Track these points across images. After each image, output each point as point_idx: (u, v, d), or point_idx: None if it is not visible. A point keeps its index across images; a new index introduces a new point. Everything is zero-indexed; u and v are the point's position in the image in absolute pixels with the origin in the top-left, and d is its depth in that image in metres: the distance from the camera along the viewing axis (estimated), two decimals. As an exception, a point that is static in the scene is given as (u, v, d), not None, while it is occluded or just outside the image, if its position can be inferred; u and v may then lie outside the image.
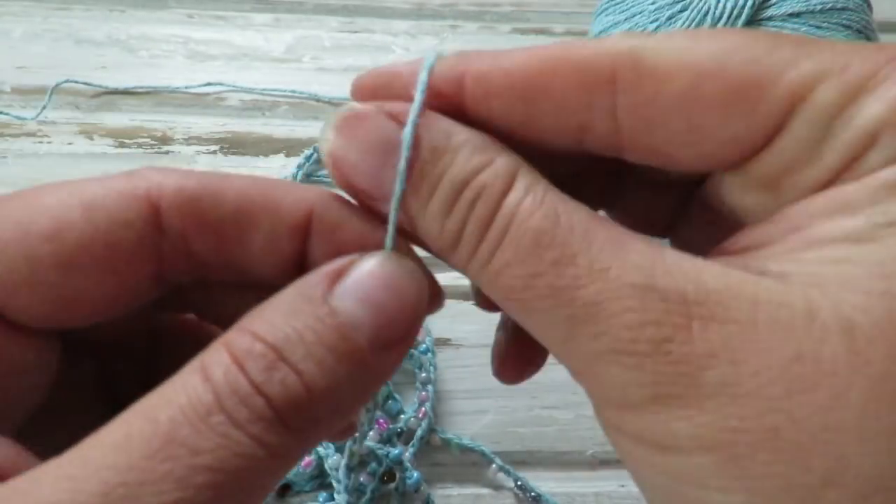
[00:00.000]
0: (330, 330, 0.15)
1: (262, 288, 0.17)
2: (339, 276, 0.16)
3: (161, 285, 0.18)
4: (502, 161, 0.16)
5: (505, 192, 0.16)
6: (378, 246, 0.17)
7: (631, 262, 0.15)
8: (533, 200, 0.15)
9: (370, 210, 0.17)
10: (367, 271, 0.16)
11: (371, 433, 0.36)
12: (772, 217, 0.16)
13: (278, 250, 0.18)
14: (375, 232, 0.17)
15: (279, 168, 0.46)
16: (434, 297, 0.19)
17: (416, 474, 0.35)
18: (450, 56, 0.17)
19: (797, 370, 0.13)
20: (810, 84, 0.14)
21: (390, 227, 0.16)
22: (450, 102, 0.17)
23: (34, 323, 0.17)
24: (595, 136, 0.16)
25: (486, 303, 0.22)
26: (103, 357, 0.20)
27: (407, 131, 0.16)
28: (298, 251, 0.18)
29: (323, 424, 0.15)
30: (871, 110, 0.14)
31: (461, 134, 0.16)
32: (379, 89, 0.17)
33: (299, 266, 0.18)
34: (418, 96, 0.16)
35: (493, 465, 0.37)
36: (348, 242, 0.18)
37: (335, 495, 0.35)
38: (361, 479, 0.36)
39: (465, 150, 0.16)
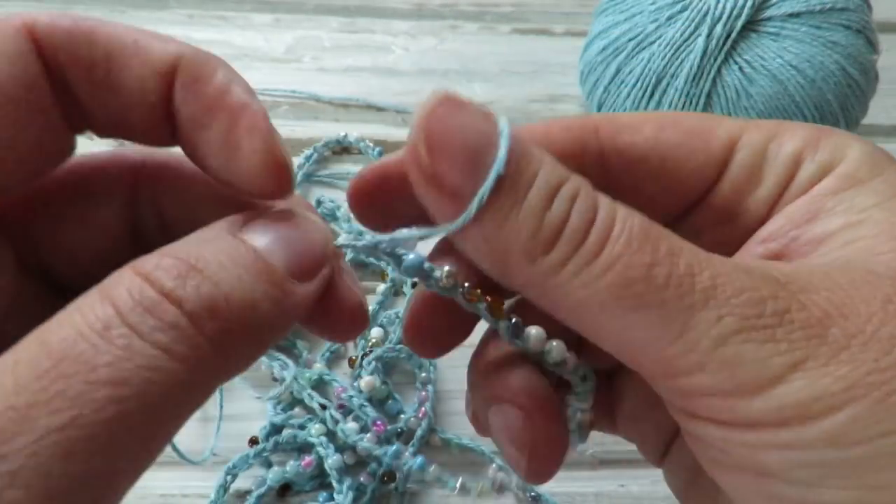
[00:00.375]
0: (245, 253, 0.15)
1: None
2: (247, 220, 0.16)
3: (66, 139, 0.17)
4: (577, 175, 0.16)
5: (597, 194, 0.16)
6: (231, 103, 0.17)
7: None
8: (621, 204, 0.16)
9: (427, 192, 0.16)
10: (275, 213, 0.16)
11: (369, 435, 0.36)
12: (760, 239, 0.19)
13: (146, 96, 0.17)
14: (236, 87, 0.18)
15: (279, 168, 0.46)
16: (354, 320, 0.19)
17: (419, 458, 0.35)
18: None
19: (893, 309, 0.15)
20: (738, 131, 0.19)
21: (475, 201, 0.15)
22: None
23: None
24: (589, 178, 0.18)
25: (482, 426, 0.23)
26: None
27: (503, 124, 0.16)
28: (165, 98, 0.17)
29: (240, 343, 0.14)
30: (789, 145, 0.19)
31: (541, 150, 0.17)
32: (381, 182, 0.18)
33: (167, 117, 0.17)
34: (504, 123, 0.17)
35: (494, 465, 0.37)
36: (210, 96, 0.17)
37: (335, 495, 0.35)
38: (361, 479, 0.36)
39: (550, 159, 0.16)
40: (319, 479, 0.36)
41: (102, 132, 0.18)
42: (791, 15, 0.40)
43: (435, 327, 0.21)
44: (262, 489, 0.35)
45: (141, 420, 0.13)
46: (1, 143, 0.16)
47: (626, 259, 0.15)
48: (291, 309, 0.15)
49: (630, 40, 0.42)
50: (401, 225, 0.17)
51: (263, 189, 0.17)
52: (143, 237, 0.19)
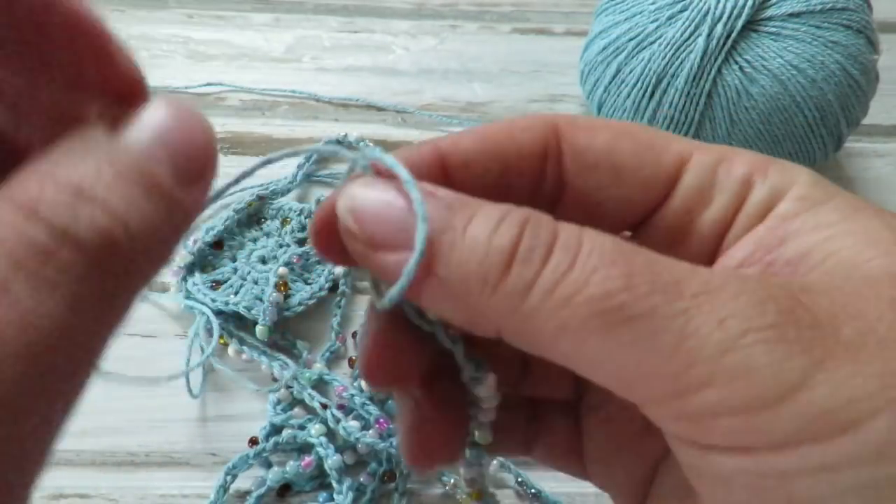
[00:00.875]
0: (129, 165, 0.13)
1: None
2: (121, 119, 0.14)
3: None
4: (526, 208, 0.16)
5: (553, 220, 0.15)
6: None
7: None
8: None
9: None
10: (152, 113, 0.14)
11: (371, 431, 0.36)
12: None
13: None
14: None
15: (279, 168, 0.46)
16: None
17: None
18: (398, 151, 0.19)
19: None
20: (689, 151, 0.19)
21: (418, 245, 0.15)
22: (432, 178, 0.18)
23: None
24: (548, 182, 0.19)
25: (376, 377, 0.19)
26: None
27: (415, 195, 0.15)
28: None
29: (141, 271, 0.13)
30: (739, 169, 0.18)
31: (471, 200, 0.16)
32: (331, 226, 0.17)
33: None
34: (403, 171, 0.16)
35: (494, 462, 0.37)
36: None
37: (335, 495, 0.35)
38: (361, 479, 0.36)
39: (486, 203, 0.16)
40: (319, 479, 0.36)
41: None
42: (791, 15, 0.40)
43: (397, 359, 0.19)
44: (262, 489, 0.35)
45: (60, 360, 0.12)
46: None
47: (603, 272, 0.14)
48: (184, 218, 0.14)
49: (630, 40, 0.42)
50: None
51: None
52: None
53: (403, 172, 0.16)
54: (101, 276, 0.12)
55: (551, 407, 0.24)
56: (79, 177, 0.12)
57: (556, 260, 0.14)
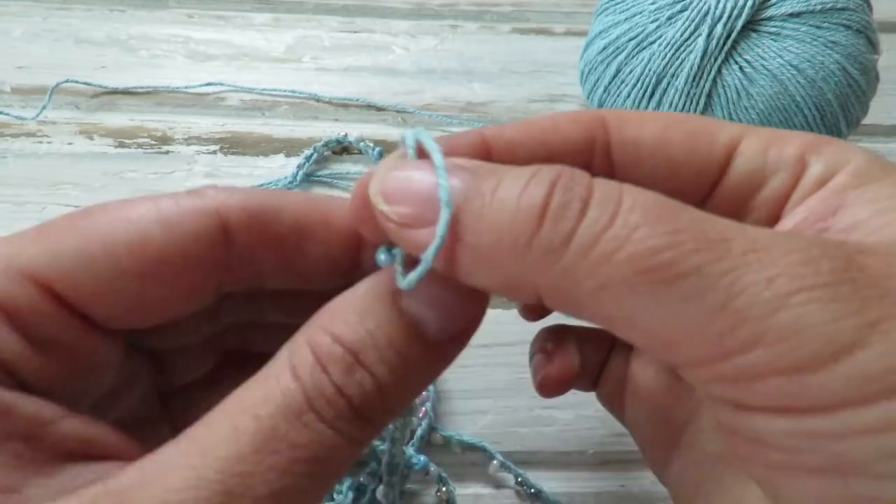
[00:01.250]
0: (399, 331, 0.17)
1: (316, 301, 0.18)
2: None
3: (218, 292, 0.20)
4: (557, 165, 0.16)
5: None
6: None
7: None
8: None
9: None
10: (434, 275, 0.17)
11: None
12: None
13: (332, 258, 0.19)
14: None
15: (279, 168, 0.46)
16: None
17: (422, 458, 0.35)
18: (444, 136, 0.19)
19: None
20: (739, 135, 0.19)
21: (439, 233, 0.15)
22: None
23: (112, 323, 0.18)
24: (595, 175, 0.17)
25: (533, 312, 0.25)
26: (160, 354, 0.21)
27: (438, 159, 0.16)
28: (352, 260, 0.20)
29: (392, 415, 0.17)
30: (791, 149, 0.18)
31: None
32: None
33: (352, 276, 0.19)
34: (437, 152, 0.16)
35: (494, 462, 0.37)
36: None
37: (335, 495, 0.35)
38: (361, 479, 0.36)
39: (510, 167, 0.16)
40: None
41: (271, 285, 0.20)
42: (791, 15, 0.40)
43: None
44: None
45: (323, 484, 0.16)
46: (163, 297, 0.18)
47: (646, 229, 0.13)
48: (439, 370, 0.18)
49: (630, 40, 0.42)
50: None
51: None
52: (226, 286, 0.20)
53: (430, 143, 0.16)
54: (365, 427, 0.16)
55: (621, 345, 0.27)
56: (359, 342, 0.16)
57: (593, 216, 0.14)
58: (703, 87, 0.40)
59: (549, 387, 0.27)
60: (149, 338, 0.20)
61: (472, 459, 0.38)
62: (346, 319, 0.17)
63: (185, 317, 0.19)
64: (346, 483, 0.35)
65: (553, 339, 0.27)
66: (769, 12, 0.40)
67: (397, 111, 0.49)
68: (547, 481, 0.37)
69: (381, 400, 0.16)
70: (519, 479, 0.37)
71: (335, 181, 0.46)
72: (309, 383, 0.16)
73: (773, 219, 0.19)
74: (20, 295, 0.17)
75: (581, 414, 0.39)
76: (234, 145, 0.47)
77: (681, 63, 0.40)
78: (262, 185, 0.44)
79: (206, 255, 0.18)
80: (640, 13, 0.42)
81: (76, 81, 0.48)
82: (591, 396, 0.40)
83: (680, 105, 0.41)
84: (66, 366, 0.18)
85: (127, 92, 0.48)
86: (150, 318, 0.19)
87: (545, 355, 0.27)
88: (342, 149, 0.47)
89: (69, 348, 0.18)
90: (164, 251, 0.18)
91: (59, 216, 0.18)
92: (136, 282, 0.18)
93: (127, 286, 0.17)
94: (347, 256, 0.20)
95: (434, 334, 0.17)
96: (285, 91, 0.49)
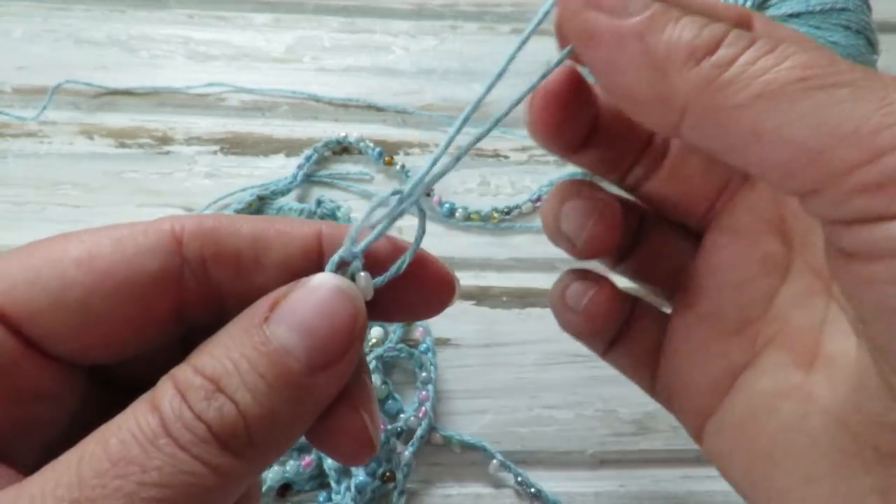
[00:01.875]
0: (264, 357, 0.16)
1: None
2: (276, 305, 0.17)
3: (180, 323, 0.19)
4: None
5: None
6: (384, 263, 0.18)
7: None
8: None
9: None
10: (301, 297, 0.17)
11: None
12: None
13: (293, 272, 0.19)
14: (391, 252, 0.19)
15: (279, 168, 0.46)
16: (443, 286, 0.20)
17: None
18: None
19: None
20: None
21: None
22: None
23: (60, 350, 0.17)
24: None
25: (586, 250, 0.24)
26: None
27: None
28: (314, 272, 0.19)
29: (264, 446, 0.16)
30: None
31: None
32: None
33: None
34: None
35: (494, 461, 0.37)
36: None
37: (333, 496, 0.35)
38: (360, 478, 0.36)
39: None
40: (319, 479, 0.36)
41: (234, 309, 0.19)
42: (791, 15, 0.40)
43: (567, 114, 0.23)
44: (262, 489, 0.35)
45: None
46: (115, 318, 0.17)
47: (804, 55, 0.15)
48: (312, 403, 0.17)
49: (630, 40, 0.42)
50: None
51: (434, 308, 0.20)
52: (188, 315, 0.19)
53: None
54: (223, 453, 0.16)
55: (644, 306, 0.26)
56: (221, 371, 0.16)
57: (759, 45, 0.16)
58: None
59: (596, 242, 0.23)
60: (118, 375, 0.20)
61: (471, 459, 0.38)
62: (211, 352, 0.16)
63: (149, 351, 0.19)
64: (344, 483, 0.35)
65: (591, 193, 0.24)
66: (769, 13, 0.40)
67: (397, 111, 0.49)
68: (547, 481, 0.37)
69: (247, 428, 0.16)
70: (519, 479, 0.37)
71: (335, 181, 0.46)
72: (167, 410, 0.15)
73: None
74: None
75: (581, 414, 0.39)
76: (234, 146, 0.47)
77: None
78: (262, 185, 0.44)
79: (158, 270, 0.18)
80: (640, 13, 0.42)
81: (76, 82, 0.48)
82: (591, 396, 0.40)
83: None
84: (5, 390, 0.17)
85: (127, 92, 0.48)
86: (103, 344, 0.18)
87: (586, 202, 0.24)
88: (342, 149, 0.47)
89: (8, 372, 0.17)
90: (113, 265, 0.17)
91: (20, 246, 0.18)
92: (85, 296, 0.17)
93: (75, 301, 0.17)
94: (309, 269, 0.19)
95: (302, 362, 0.16)
96: (285, 91, 0.49)
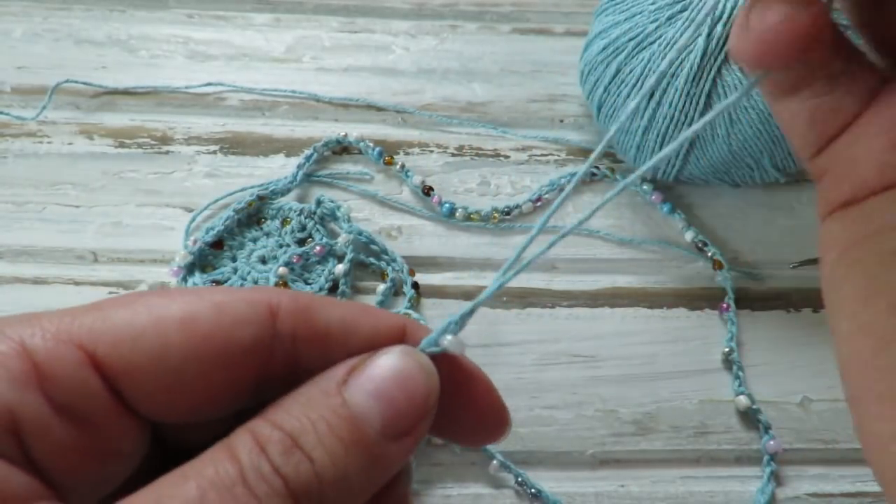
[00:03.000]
0: (342, 420, 0.17)
1: None
2: (354, 370, 0.17)
3: (257, 392, 0.19)
4: None
5: None
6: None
7: None
8: None
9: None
10: (380, 366, 0.17)
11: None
12: None
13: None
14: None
15: (279, 168, 0.46)
16: (499, 420, 0.21)
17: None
18: None
19: None
20: None
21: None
22: None
23: (146, 408, 0.18)
24: None
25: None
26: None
27: None
28: None
29: None
30: None
31: None
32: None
33: None
34: None
35: (494, 462, 0.37)
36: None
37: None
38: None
39: None
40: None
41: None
42: (791, 15, 0.40)
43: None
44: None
45: None
46: (206, 383, 0.18)
47: None
48: (383, 469, 0.17)
49: (630, 40, 0.42)
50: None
51: (484, 439, 0.20)
52: (265, 386, 0.19)
53: None
54: None
55: (863, 60, 0.19)
56: (299, 428, 0.16)
57: None
58: (703, 87, 0.40)
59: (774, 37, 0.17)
60: (179, 436, 0.20)
61: (472, 459, 0.38)
62: (289, 409, 0.17)
63: (222, 417, 0.19)
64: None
65: None
66: (769, 12, 0.40)
67: (397, 111, 0.49)
68: (547, 481, 0.37)
69: (320, 486, 0.16)
70: (519, 479, 0.37)
71: (335, 181, 0.46)
72: (245, 460, 0.16)
73: None
74: (62, 357, 0.16)
75: (581, 414, 0.39)
76: (234, 145, 0.47)
77: (681, 63, 0.40)
78: (262, 185, 0.44)
79: (252, 342, 0.18)
80: (640, 13, 0.42)
81: (76, 81, 0.48)
82: (591, 396, 0.40)
83: (680, 105, 0.41)
84: (88, 443, 0.17)
85: (127, 92, 0.48)
86: (191, 407, 0.18)
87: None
88: (342, 149, 0.47)
89: (96, 426, 0.17)
90: (212, 331, 0.17)
91: (118, 296, 0.18)
92: (183, 361, 0.17)
93: (173, 364, 0.17)
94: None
95: (377, 430, 0.17)
96: (285, 91, 0.49)
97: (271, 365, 0.19)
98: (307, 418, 0.17)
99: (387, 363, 0.18)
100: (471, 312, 0.20)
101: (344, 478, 0.16)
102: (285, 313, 0.19)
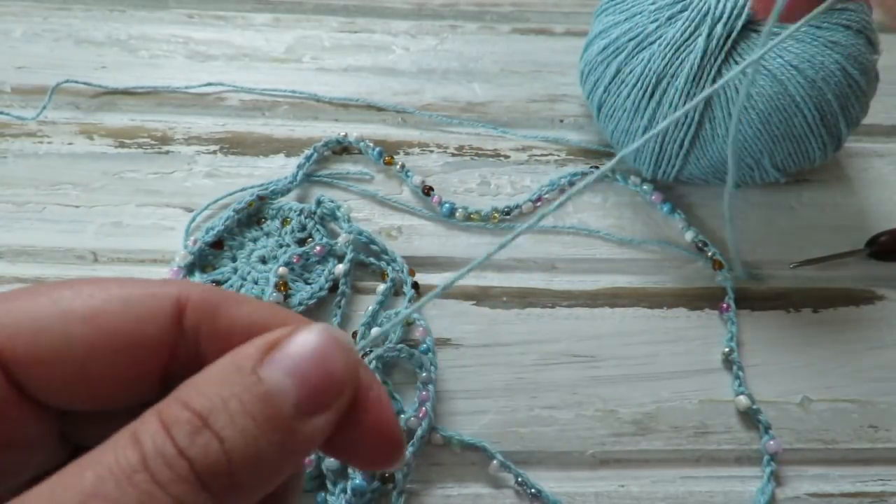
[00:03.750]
0: (255, 398, 0.16)
1: None
2: (271, 347, 0.17)
3: (163, 383, 0.19)
4: None
5: None
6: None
7: None
8: None
9: None
10: (297, 343, 0.17)
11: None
12: None
13: None
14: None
15: (279, 168, 0.46)
16: (393, 448, 0.19)
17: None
18: None
19: None
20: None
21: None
22: None
23: (48, 398, 0.17)
24: None
25: None
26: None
27: None
28: None
29: (245, 488, 0.16)
30: None
31: None
32: None
33: None
34: None
35: (494, 462, 0.37)
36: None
37: (328, 497, 0.35)
38: (357, 480, 0.36)
39: None
40: (319, 479, 0.36)
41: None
42: (791, 15, 0.40)
43: None
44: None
45: None
46: (108, 375, 0.18)
47: None
48: (298, 448, 0.17)
49: (630, 40, 0.42)
50: None
51: (376, 461, 0.19)
52: (172, 376, 0.19)
53: None
54: (202, 493, 0.15)
55: None
56: (209, 407, 0.16)
57: None
58: (703, 87, 0.40)
59: None
60: (96, 431, 0.19)
61: (471, 459, 0.38)
62: (200, 388, 0.16)
63: (135, 407, 0.18)
64: (340, 485, 0.35)
65: None
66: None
67: (397, 111, 0.49)
68: (546, 481, 0.37)
69: (230, 466, 0.15)
70: (519, 479, 0.37)
71: (335, 181, 0.46)
72: (149, 445, 0.15)
73: None
74: None
75: (581, 414, 0.39)
76: (234, 145, 0.47)
77: (681, 63, 0.40)
78: (262, 185, 0.44)
79: (158, 337, 0.18)
80: (640, 13, 0.42)
81: (76, 81, 0.48)
82: (591, 396, 0.40)
83: (680, 105, 0.41)
84: None
85: (127, 92, 0.48)
86: (92, 398, 0.18)
87: None
88: (342, 149, 0.47)
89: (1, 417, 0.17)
90: (119, 327, 0.17)
91: (26, 287, 0.18)
92: (87, 353, 0.17)
93: (77, 356, 0.17)
94: None
95: (292, 407, 0.16)
96: (285, 91, 0.49)
97: (178, 358, 0.18)
98: (219, 396, 0.16)
99: (304, 340, 0.17)
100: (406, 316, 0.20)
101: (256, 457, 0.16)
102: (192, 310, 0.18)
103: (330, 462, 0.35)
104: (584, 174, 0.47)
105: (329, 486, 0.35)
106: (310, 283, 0.42)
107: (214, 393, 0.16)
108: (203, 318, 0.18)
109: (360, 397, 0.18)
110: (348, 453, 0.19)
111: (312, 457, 0.36)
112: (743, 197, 0.47)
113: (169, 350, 0.18)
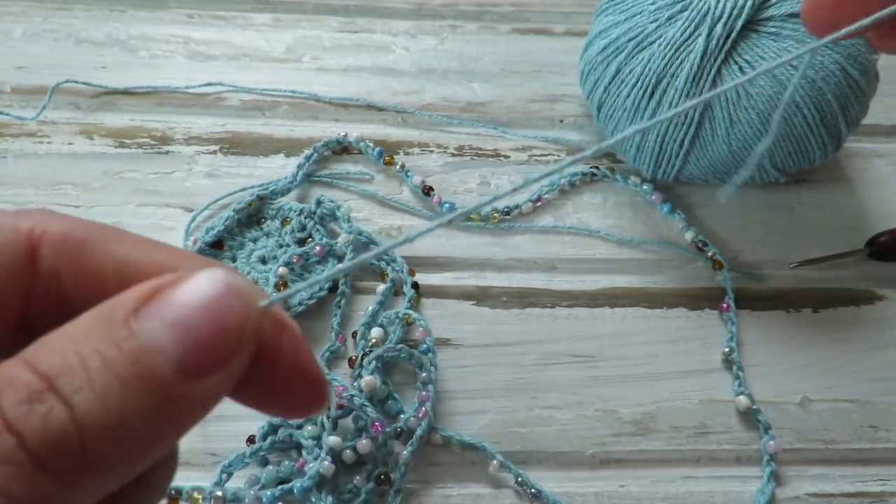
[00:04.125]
0: (123, 354, 0.13)
1: None
2: (152, 294, 0.14)
3: (28, 332, 0.15)
4: None
5: None
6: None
7: None
8: None
9: None
10: (184, 290, 0.14)
11: (365, 441, 0.36)
12: None
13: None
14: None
15: (279, 168, 0.46)
16: (314, 389, 0.16)
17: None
18: None
19: None
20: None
21: None
22: None
23: None
24: None
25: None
26: None
27: None
28: None
29: (105, 466, 0.13)
30: None
31: None
32: None
33: None
34: None
35: (494, 462, 0.37)
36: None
37: (313, 500, 0.35)
38: (355, 481, 0.36)
39: None
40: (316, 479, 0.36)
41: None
42: (791, 15, 0.40)
43: None
44: (256, 488, 0.35)
45: None
46: None
47: None
48: (179, 415, 0.14)
49: (630, 40, 0.42)
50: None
51: (298, 407, 0.16)
52: (36, 325, 0.16)
53: None
54: (36, 476, 0.12)
55: None
56: (59, 366, 0.13)
57: None
58: (703, 87, 0.40)
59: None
60: None
61: (471, 459, 0.38)
62: (52, 345, 0.13)
63: None
64: (327, 487, 0.35)
65: None
66: (769, 12, 0.40)
67: (397, 111, 0.49)
68: (546, 481, 0.37)
69: (81, 441, 0.12)
70: (519, 479, 0.37)
71: (335, 181, 0.46)
72: None
73: None
74: None
75: (581, 414, 0.39)
76: (234, 145, 0.47)
77: (681, 63, 0.40)
78: (262, 185, 0.44)
79: (5, 279, 0.15)
80: (640, 13, 0.42)
81: (76, 81, 0.48)
82: (591, 396, 0.40)
83: (680, 105, 0.41)
84: None
85: (127, 92, 0.48)
86: None
87: None
88: (342, 149, 0.47)
89: None
90: None
91: None
92: None
93: None
94: None
95: (173, 364, 0.13)
96: (285, 91, 0.49)
97: (37, 308, 0.16)
98: (75, 353, 0.13)
99: (192, 286, 0.14)
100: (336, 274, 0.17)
101: (120, 426, 0.13)
102: (48, 247, 0.15)
103: (322, 465, 0.35)
104: (584, 174, 0.47)
105: (313, 489, 0.35)
106: (310, 283, 0.42)
107: (71, 349, 0.13)
108: (64, 258, 0.15)
109: (270, 342, 0.15)
110: (264, 403, 0.16)
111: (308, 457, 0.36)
112: (743, 197, 0.47)
113: (22, 296, 0.15)
